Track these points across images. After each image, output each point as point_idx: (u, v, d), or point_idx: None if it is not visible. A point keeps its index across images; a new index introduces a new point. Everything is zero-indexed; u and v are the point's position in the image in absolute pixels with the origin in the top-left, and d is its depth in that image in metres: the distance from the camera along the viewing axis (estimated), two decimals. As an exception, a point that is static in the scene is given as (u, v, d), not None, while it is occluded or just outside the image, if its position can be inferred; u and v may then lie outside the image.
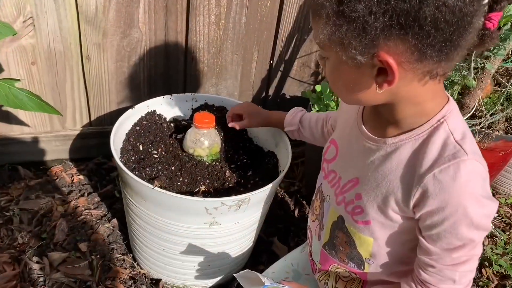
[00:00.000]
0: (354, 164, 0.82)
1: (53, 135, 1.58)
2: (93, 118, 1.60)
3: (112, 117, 1.61)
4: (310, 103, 1.54)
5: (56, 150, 1.62)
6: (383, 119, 0.75)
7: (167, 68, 1.56)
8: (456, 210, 0.68)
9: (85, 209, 1.44)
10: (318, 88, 1.53)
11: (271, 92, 1.79)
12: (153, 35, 1.47)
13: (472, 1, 0.57)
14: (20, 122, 1.52)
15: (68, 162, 1.64)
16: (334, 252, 0.91)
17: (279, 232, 1.50)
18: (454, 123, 0.71)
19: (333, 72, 0.71)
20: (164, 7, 1.43)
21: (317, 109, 1.49)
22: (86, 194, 1.51)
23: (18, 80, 1.00)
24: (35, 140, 1.57)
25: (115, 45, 1.45)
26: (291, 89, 1.81)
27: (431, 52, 0.60)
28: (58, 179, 1.56)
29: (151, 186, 1.01)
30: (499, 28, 0.65)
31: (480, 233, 0.71)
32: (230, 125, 1.23)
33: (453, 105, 0.73)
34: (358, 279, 0.90)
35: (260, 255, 1.41)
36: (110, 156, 1.68)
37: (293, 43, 1.67)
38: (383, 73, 0.63)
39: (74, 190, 1.52)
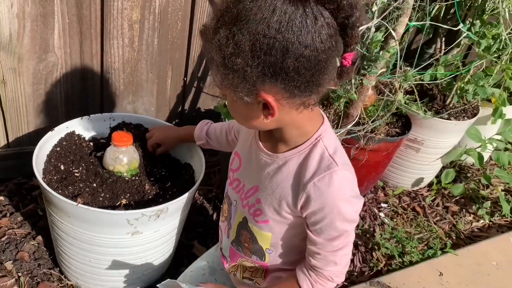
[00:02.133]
0: (254, 174, 0.99)
1: (-31, 157, 1.59)
2: (11, 139, 1.63)
3: (31, 137, 1.65)
4: (222, 116, 1.70)
5: (-27, 172, 1.63)
6: (275, 138, 0.93)
7: (84, 89, 1.64)
8: (332, 210, 0.87)
9: (9, 229, 1.49)
10: (228, 103, 1.70)
11: (186, 106, 1.93)
12: (69, 58, 1.55)
13: (324, 51, 0.74)
14: None
15: (-15, 184, 1.66)
16: (240, 248, 1.08)
17: (199, 236, 1.64)
18: (328, 140, 0.90)
19: (231, 107, 0.88)
20: (79, 32, 1.51)
21: (228, 121, 1.66)
22: (8, 214, 1.55)
23: None
24: (-50, 164, 1.58)
25: (31, 69, 1.50)
26: (205, 103, 1.96)
27: (298, 91, 0.77)
28: (-24, 202, 1.58)
29: (75, 203, 1.11)
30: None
31: (351, 225, 0.91)
32: (151, 151, 1.39)
33: (327, 125, 0.92)
34: (261, 268, 1.08)
35: (182, 259, 1.54)
36: (30, 176, 1.72)
37: (204, 61, 1.82)
38: (267, 107, 0.80)
39: (-5, 211, 1.55)
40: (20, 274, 1.36)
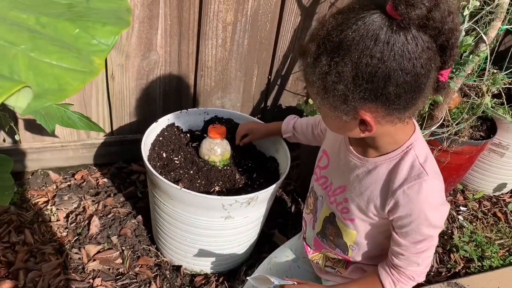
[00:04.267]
0: (343, 174, 1.04)
1: (80, 143, 1.81)
2: (114, 128, 1.83)
3: (132, 127, 1.84)
4: (304, 114, 1.79)
5: (82, 156, 1.84)
6: (365, 143, 0.97)
7: (180, 84, 1.80)
8: (419, 216, 0.90)
9: (113, 208, 1.67)
10: (310, 101, 1.78)
11: (269, 103, 2.03)
12: (168, 56, 1.71)
13: (424, 74, 0.75)
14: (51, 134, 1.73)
15: (92, 167, 1.86)
16: (324, 240, 1.15)
17: (279, 226, 1.74)
18: (419, 149, 0.92)
19: (326, 119, 0.93)
20: (178, 33, 1.66)
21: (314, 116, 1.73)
22: (112, 195, 1.74)
23: (72, 104, 1.22)
24: (64, 148, 1.80)
25: (136, 65, 1.68)
26: (287, 100, 2.05)
27: (396, 112, 0.80)
28: (85, 182, 1.79)
29: (178, 187, 1.25)
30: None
31: (436, 230, 0.94)
32: (238, 143, 1.49)
33: (418, 133, 0.95)
34: (343, 260, 1.15)
35: (263, 246, 1.65)
36: (129, 161, 1.91)
37: (288, 60, 1.91)
38: (364, 123, 0.83)
39: (101, 192, 1.75)
40: (123, 248, 1.54)
